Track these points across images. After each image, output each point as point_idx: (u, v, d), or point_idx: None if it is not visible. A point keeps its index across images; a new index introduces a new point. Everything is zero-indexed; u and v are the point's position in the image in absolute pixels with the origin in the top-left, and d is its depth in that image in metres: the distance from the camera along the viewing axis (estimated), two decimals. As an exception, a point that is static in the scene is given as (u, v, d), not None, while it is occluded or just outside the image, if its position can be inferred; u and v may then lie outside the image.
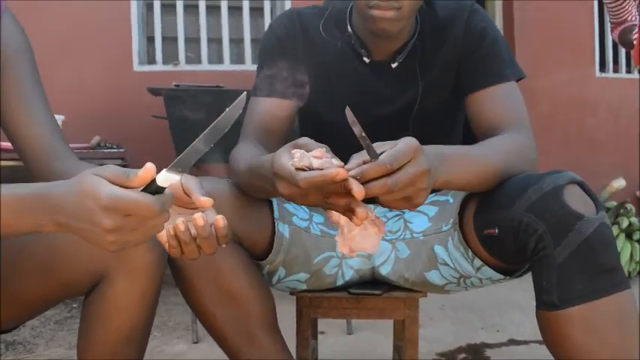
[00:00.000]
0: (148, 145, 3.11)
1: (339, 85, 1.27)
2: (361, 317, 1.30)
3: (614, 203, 3.46)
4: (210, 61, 3.56)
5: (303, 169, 0.85)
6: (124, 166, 2.45)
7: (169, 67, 3.45)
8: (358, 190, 0.82)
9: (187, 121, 2.42)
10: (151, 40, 3.53)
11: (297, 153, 0.88)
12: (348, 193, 0.83)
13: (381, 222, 0.96)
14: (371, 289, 1.26)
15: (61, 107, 2.52)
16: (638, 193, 3.97)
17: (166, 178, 0.72)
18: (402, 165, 0.84)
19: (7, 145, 1.75)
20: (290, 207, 1.25)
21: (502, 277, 1.15)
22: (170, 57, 3.51)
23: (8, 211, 0.75)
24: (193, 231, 0.81)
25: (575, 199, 0.96)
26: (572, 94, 4.00)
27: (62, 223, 0.75)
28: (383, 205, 0.89)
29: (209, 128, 0.73)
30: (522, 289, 1.27)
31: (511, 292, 2.65)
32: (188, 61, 3.52)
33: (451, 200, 1.22)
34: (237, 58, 3.66)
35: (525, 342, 2.22)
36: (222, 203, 0.91)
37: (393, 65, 1.25)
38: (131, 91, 3.26)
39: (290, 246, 1.20)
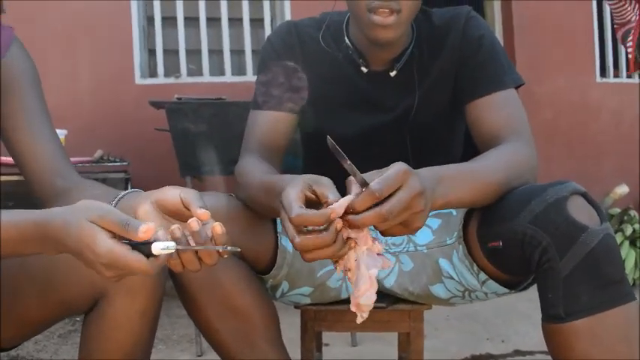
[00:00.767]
0: (150, 157, 3.12)
1: (337, 96, 1.27)
2: (366, 330, 1.29)
3: (618, 210, 3.45)
4: (211, 73, 3.57)
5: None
6: (127, 179, 2.45)
7: (171, 80, 3.47)
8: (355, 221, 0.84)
9: (190, 133, 2.43)
10: (152, 53, 3.55)
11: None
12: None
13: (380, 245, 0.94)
14: (375, 301, 1.25)
15: (63, 121, 2.53)
16: (641, 198, 3.96)
17: (162, 249, 0.76)
18: (393, 191, 0.83)
19: (7, 159, 1.76)
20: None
21: (507, 290, 1.15)
22: (171, 69, 3.52)
23: (8, 245, 0.78)
24: (192, 242, 0.81)
25: (579, 211, 0.95)
26: (574, 99, 4.00)
27: (62, 251, 0.79)
28: (384, 235, 0.89)
29: None
30: (528, 299, 1.27)
31: (516, 301, 2.61)
32: (190, 73, 3.53)
33: (454, 213, 1.22)
34: (239, 69, 3.67)
35: (531, 352, 2.21)
36: (225, 217, 0.91)
37: (392, 74, 1.25)
38: (133, 104, 3.27)
39: (293, 260, 1.19)
